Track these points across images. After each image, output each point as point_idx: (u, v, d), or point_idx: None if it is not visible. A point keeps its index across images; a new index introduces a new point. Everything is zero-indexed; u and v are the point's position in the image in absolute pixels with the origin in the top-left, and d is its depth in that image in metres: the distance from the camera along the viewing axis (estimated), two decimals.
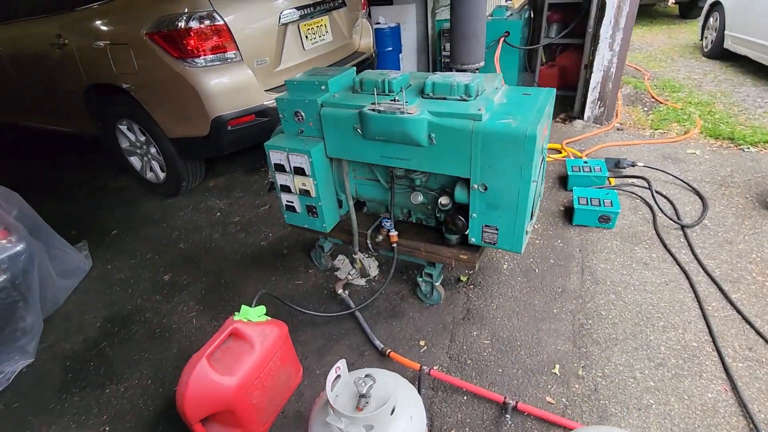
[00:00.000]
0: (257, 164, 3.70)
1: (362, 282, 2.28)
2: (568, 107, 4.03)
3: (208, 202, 3.23)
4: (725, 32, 5.17)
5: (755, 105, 4.00)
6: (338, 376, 1.22)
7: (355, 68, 1.96)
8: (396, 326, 2.00)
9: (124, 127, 3.18)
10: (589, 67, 3.57)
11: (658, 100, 4.29)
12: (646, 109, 4.13)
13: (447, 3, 5.40)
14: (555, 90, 1.72)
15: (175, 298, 2.33)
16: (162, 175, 3.26)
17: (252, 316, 1.57)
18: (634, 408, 1.52)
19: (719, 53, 5.40)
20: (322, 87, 1.80)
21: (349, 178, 1.99)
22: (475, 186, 1.59)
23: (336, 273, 2.36)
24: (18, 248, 2.01)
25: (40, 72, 3.29)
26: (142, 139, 3.14)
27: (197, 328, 2.12)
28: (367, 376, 1.20)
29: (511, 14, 3.88)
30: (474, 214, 1.68)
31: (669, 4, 7.87)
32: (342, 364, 1.23)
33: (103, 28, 2.72)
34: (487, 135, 1.46)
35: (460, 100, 1.58)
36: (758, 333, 1.74)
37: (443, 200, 1.79)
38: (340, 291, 2.13)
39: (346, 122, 1.71)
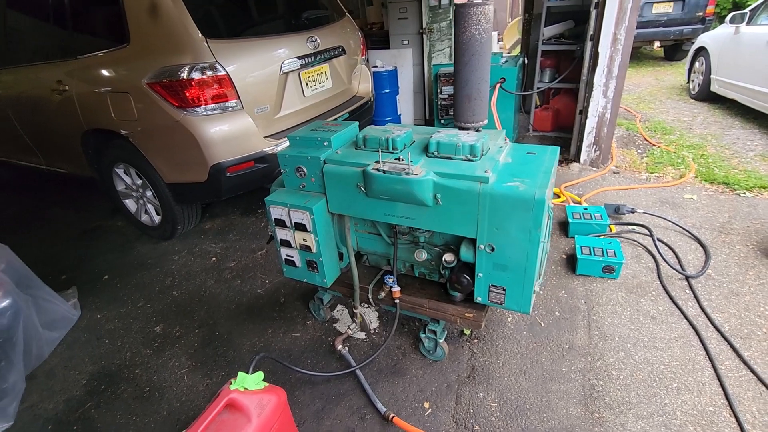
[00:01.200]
0: (254, 206, 3.66)
1: (362, 335, 2.21)
2: (564, 149, 4.08)
3: (204, 246, 3.17)
4: (712, 76, 5.36)
5: (746, 148, 4.08)
6: None
7: (357, 123, 1.97)
8: (398, 385, 1.92)
9: (120, 171, 3.15)
10: (584, 112, 3.64)
11: (651, 143, 4.37)
12: (640, 151, 4.20)
13: (443, 48, 5.56)
14: (558, 149, 1.72)
15: (166, 352, 2.23)
16: (157, 219, 3.21)
17: (249, 384, 1.49)
18: None
19: (706, 95, 5.58)
20: (325, 143, 1.79)
21: (351, 232, 1.95)
22: (482, 246, 1.56)
23: (335, 325, 2.28)
24: (3, 304, 1.92)
25: (39, 115, 3.28)
26: (139, 182, 3.11)
27: (189, 387, 2.02)
28: None
29: (506, 61, 3.99)
30: (480, 274, 1.64)
31: (654, 47, 8.19)
32: None
33: (104, 76, 2.73)
34: (495, 198, 1.44)
35: (465, 160, 1.57)
36: None
37: (447, 257, 1.76)
38: (339, 347, 2.05)
39: (349, 180, 1.69)
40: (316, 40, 3.07)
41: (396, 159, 1.59)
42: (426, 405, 1.82)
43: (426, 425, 1.72)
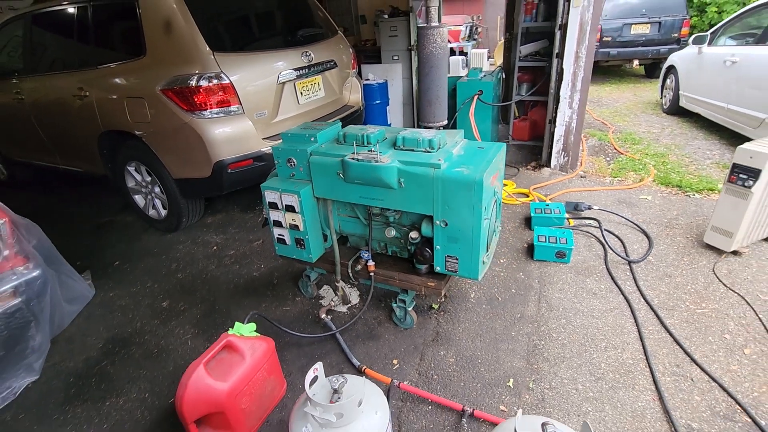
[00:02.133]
0: (252, 203, 4.01)
1: (344, 309, 2.53)
2: (538, 156, 4.46)
3: (206, 237, 3.50)
4: (680, 92, 5.78)
5: (704, 157, 4.46)
6: (316, 377, 1.45)
7: (340, 123, 2.33)
8: (372, 347, 2.23)
9: (132, 168, 3.50)
10: (553, 122, 4.02)
11: (619, 152, 4.75)
12: (608, 159, 4.57)
13: None
14: (505, 145, 2.08)
15: (172, 322, 2.55)
16: (163, 212, 3.55)
17: (244, 331, 1.81)
18: (574, 414, 1.75)
19: (676, 110, 5.99)
20: (312, 138, 2.14)
21: (333, 216, 2.30)
22: (438, 222, 1.90)
23: (321, 301, 2.60)
24: (35, 274, 2.25)
25: (60, 118, 3.64)
26: (148, 179, 3.45)
27: (192, 349, 2.33)
28: (340, 376, 1.44)
29: (485, 75, 4.39)
30: (438, 246, 1.97)
31: (634, 65, 8.67)
32: (319, 366, 1.47)
33: (122, 83, 3.11)
34: (445, 181, 1.79)
35: (424, 152, 1.92)
36: (686, 352, 2.00)
37: (413, 234, 2.10)
38: (323, 316, 2.37)
39: (330, 168, 2.04)
40: (310, 54, 3.46)
41: (368, 151, 1.94)
42: (395, 361, 2.13)
43: (393, 376, 2.03)
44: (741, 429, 1.65)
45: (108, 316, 2.67)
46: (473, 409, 1.77)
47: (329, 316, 2.41)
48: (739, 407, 1.72)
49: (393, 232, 2.15)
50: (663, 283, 2.50)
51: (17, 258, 2.24)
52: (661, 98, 6.54)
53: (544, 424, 1.17)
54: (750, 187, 2.41)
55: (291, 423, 1.43)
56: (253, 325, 1.87)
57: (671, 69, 6.12)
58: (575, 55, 3.67)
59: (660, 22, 8.05)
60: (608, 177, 4.06)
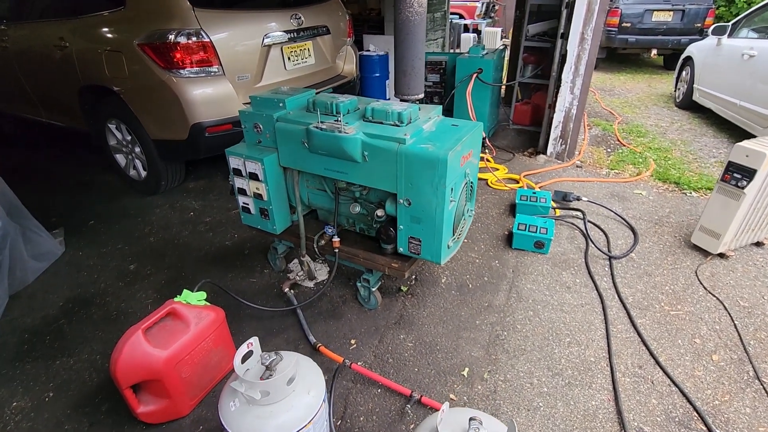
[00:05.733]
0: None
1: (310, 284, 2.46)
2: (537, 142, 4.29)
3: (184, 202, 3.44)
4: (694, 85, 5.52)
5: (709, 155, 4.28)
6: (250, 351, 1.39)
7: (314, 90, 2.21)
8: (333, 326, 2.18)
9: (113, 126, 3.40)
10: (552, 107, 3.85)
11: (621, 143, 4.57)
12: (609, 150, 4.40)
13: (437, 37, 5.76)
14: (482, 124, 1.96)
15: (135, 286, 2.51)
16: (144, 174, 3.47)
17: (191, 299, 1.75)
18: (524, 408, 1.70)
19: (689, 104, 5.74)
20: (280, 104, 2.03)
21: (302, 187, 2.21)
22: (401, 200, 1.80)
23: (289, 275, 2.54)
24: None
25: (42, 70, 3.54)
26: (129, 138, 3.36)
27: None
28: (275, 353, 1.38)
29: (486, 53, 4.19)
30: (401, 226, 1.88)
31: (652, 55, 8.31)
32: (254, 340, 1.41)
33: (101, 35, 2.98)
34: (409, 157, 1.68)
35: (392, 125, 1.81)
36: (651, 354, 1.92)
37: (379, 212, 2.01)
38: (286, 290, 2.31)
39: (296, 136, 1.93)
40: (300, 17, 3.30)
41: (334, 120, 1.83)
42: (353, 342, 2.08)
43: (348, 356, 1.97)
44: None
45: (74, 275, 2.63)
46: (421, 396, 1.71)
47: (293, 291, 2.35)
48: (696, 414, 1.65)
49: (358, 209, 2.06)
50: (641, 282, 2.40)
51: None
52: (675, 91, 6.28)
53: (471, 419, 1.11)
54: (743, 188, 2.27)
55: (221, 397, 1.38)
56: (203, 294, 1.81)
57: (688, 60, 5.84)
58: (580, 36, 3.47)
59: (684, 10, 7.66)
60: (605, 169, 3.92)
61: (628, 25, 7.91)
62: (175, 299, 1.73)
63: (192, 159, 3.40)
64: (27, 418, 1.74)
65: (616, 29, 7.91)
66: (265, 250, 2.77)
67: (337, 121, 1.82)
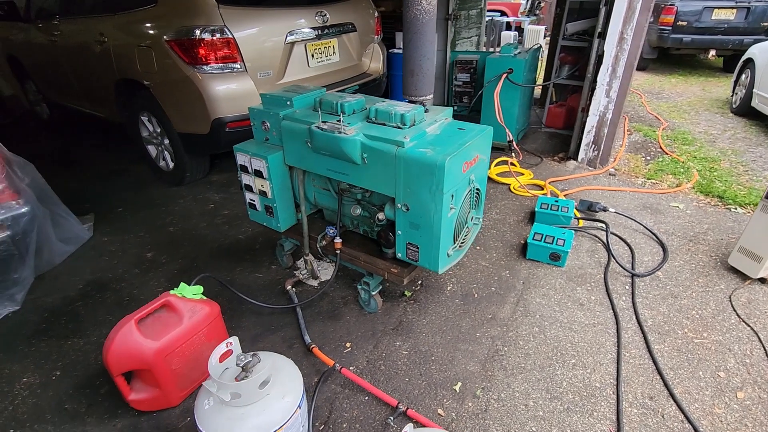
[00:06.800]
0: None
1: (315, 283, 2.46)
2: (568, 147, 4.08)
3: (207, 195, 3.53)
4: (754, 90, 5.06)
5: (763, 167, 3.90)
6: (229, 351, 1.39)
7: (325, 88, 2.18)
8: (330, 327, 2.16)
9: (145, 119, 3.55)
10: (586, 110, 3.64)
11: (664, 151, 4.27)
12: (648, 158, 4.12)
13: (470, 35, 5.61)
14: (491, 128, 1.86)
15: (150, 274, 2.60)
16: (171, 165, 3.60)
17: (187, 293, 1.78)
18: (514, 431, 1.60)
19: (746, 111, 5.28)
20: (288, 102, 2.02)
21: (309, 186, 2.20)
22: (399, 205, 1.75)
23: (295, 272, 2.55)
24: (22, 210, 2.34)
25: (84, 63, 3.74)
26: (158, 130, 3.49)
27: None
28: (253, 355, 1.37)
29: (519, 52, 4.01)
30: (399, 231, 1.83)
31: (710, 56, 7.70)
32: (234, 340, 1.40)
33: (134, 31, 3.11)
34: (407, 161, 1.62)
35: (395, 127, 1.75)
36: (665, 384, 1.76)
37: (380, 216, 1.96)
38: (288, 288, 2.32)
39: (300, 135, 1.92)
40: (325, 14, 3.29)
41: (336, 121, 1.80)
42: (348, 345, 2.05)
43: (341, 360, 1.95)
44: None
45: (96, 259, 2.77)
46: (407, 408, 1.66)
47: (295, 289, 2.35)
48: None
49: (359, 210, 2.02)
50: (665, 304, 2.21)
51: (7, 193, 2.33)
52: (732, 96, 5.78)
53: None
54: None
55: (198, 395, 1.39)
56: (199, 288, 1.83)
57: (748, 62, 5.36)
58: (619, 36, 3.25)
59: (749, 8, 7.03)
60: (641, 178, 3.66)
61: (684, 23, 7.36)
62: (171, 292, 1.77)
63: (213, 153, 3.48)
64: (33, 395, 1.84)
65: (670, 28, 7.39)
66: (274, 246, 2.80)
67: (339, 121, 1.78)
